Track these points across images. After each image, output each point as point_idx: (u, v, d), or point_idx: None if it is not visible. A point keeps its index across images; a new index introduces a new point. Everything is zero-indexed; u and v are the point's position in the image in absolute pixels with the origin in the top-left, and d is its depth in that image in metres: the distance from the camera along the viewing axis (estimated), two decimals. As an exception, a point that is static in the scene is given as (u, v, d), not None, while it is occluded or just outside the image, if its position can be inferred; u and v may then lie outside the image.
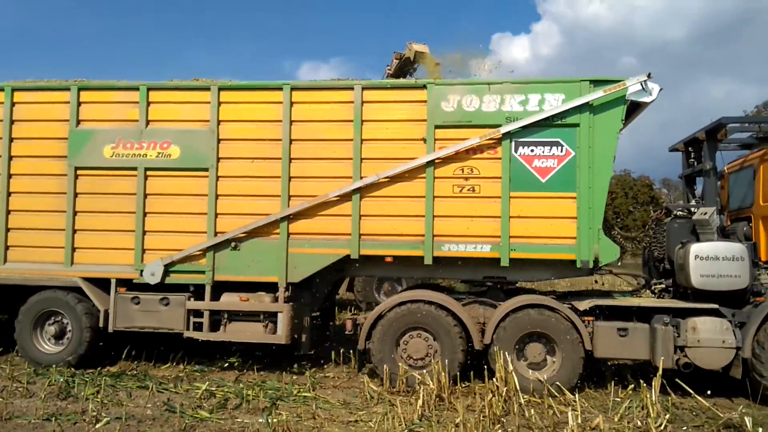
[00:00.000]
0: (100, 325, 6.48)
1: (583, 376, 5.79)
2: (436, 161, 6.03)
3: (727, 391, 5.84)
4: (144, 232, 6.45)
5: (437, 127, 6.06)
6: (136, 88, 6.54)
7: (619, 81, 5.87)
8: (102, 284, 6.56)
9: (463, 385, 5.72)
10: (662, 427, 4.67)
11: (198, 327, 6.37)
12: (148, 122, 6.53)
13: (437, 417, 4.91)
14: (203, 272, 6.37)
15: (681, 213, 6.38)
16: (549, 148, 5.95)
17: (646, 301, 6.15)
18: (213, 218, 6.34)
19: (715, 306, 5.69)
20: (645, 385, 5.08)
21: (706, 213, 5.99)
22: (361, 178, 6.10)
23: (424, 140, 6.06)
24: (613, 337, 5.75)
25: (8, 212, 6.67)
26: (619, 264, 6.82)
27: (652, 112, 6.32)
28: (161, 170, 6.47)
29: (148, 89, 6.52)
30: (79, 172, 6.58)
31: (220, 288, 6.44)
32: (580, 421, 4.61)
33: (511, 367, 5.30)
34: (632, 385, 5.53)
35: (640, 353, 5.74)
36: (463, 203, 6.02)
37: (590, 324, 5.82)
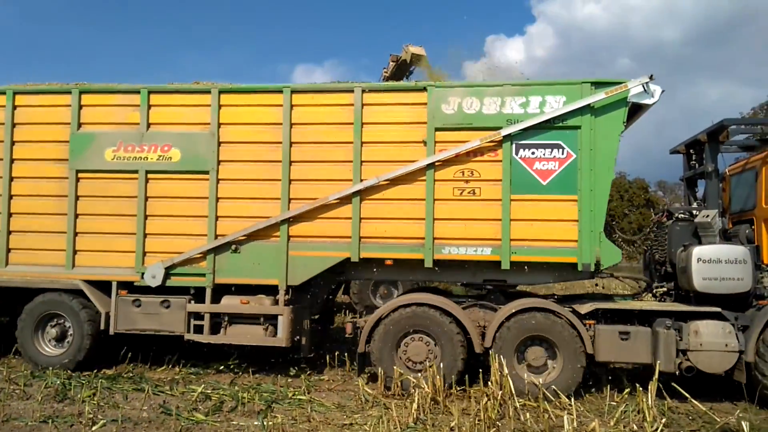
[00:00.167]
0: (102, 327, 6.49)
1: (584, 379, 5.77)
2: (437, 164, 6.02)
3: (725, 395, 5.81)
4: (145, 235, 6.47)
5: (437, 129, 6.05)
6: (137, 91, 6.56)
7: (621, 83, 5.85)
8: (103, 287, 6.58)
9: (459, 389, 5.70)
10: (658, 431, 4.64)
11: (199, 330, 6.38)
12: (149, 125, 6.55)
13: (432, 420, 4.90)
14: (204, 275, 6.38)
15: (683, 216, 6.34)
16: (550, 150, 5.92)
17: (648, 304, 6.11)
18: (213, 221, 6.35)
19: (718, 309, 5.65)
20: (641, 389, 5.07)
21: (708, 216, 5.96)
22: (362, 180, 6.10)
23: (425, 143, 6.05)
24: (615, 341, 5.71)
25: (10, 215, 6.70)
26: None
27: (646, 113, 6.29)
28: (162, 173, 6.49)
29: (149, 92, 6.54)
30: (80, 175, 6.60)
31: (220, 291, 6.45)
32: (575, 425, 4.57)
33: (506, 371, 5.28)
34: (628, 389, 5.50)
35: (642, 357, 5.70)
36: (463, 206, 6.00)
37: (591, 327, 5.78)
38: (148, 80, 7.52)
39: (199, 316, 6.39)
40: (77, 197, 6.58)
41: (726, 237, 6.16)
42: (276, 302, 6.30)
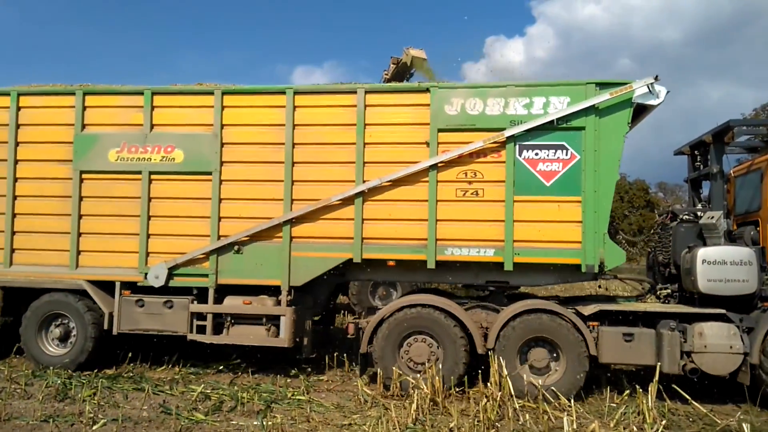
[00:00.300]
0: (105, 327, 6.52)
1: (587, 380, 5.74)
2: (439, 165, 6.00)
3: (726, 397, 5.78)
4: (148, 236, 6.48)
5: (440, 130, 6.04)
6: (141, 93, 6.58)
7: (626, 83, 5.82)
8: (106, 287, 6.59)
9: (458, 390, 5.70)
10: (658, 433, 4.62)
11: (201, 330, 6.39)
12: (152, 126, 6.57)
13: (431, 421, 4.89)
14: (206, 275, 6.39)
15: (687, 217, 6.31)
16: (554, 151, 5.90)
17: (653, 306, 6.09)
18: (216, 222, 6.36)
19: (723, 311, 5.62)
20: (641, 390, 5.05)
21: (713, 217, 5.92)
22: (364, 181, 6.09)
23: (427, 144, 6.04)
24: (619, 343, 5.69)
25: (14, 215, 6.72)
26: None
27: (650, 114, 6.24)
28: (165, 174, 6.50)
29: (153, 93, 6.55)
30: (84, 175, 6.61)
31: (223, 291, 6.46)
32: (575, 427, 4.56)
33: (505, 372, 5.27)
34: (628, 391, 5.48)
35: (645, 359, 5.67)
36: (466, 207, 5.98)
37: (595, 329, 5.76)
38: (148, 81, 7.57)
39: (201, 316, 6.41)
40: (81, 198, 6.60)
41: (731, 238, 6.12)
42: (278, 303, 6.30)
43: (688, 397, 5.13)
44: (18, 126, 6.76)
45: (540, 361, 5.77)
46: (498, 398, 5.08)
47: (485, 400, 5.03)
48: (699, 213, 6.26)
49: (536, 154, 5.92)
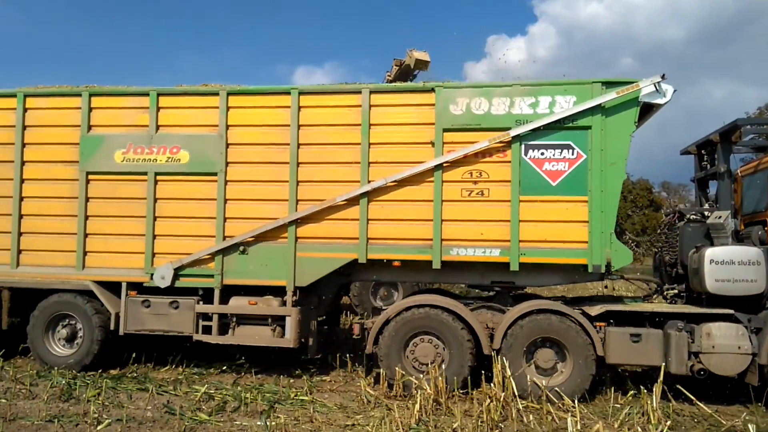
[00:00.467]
0: (111, 328, 6.54)
1: (592, 381, 5.71)
2: (445, 165, 5.99)
3: (732, 397, 5.74)
4: (154, 236, 6.50)
5: (445, 130, 6.02)
6: (147, 94, 6.60)
7: (632, 82, 5.79)
8: (113, 287, 6.62)
9: (461, 391, 5.68)
10: (663, 434, 4.59)
11: (207, 330, 6.40)
12: (158, 127, 6.58)
13: (434, 422, 4.88)
14: (212, 276, 6.40)
15: (694, 217, 6.27)
16: (560, 151, 5.87)
17: (660, 306, 6.05)
18: (222, 222, 6.37)
19: (731, 311, 5.58)
20: (645, 391, 5.01)
21: (720, 217, 5.88)
22: (369, 182, 6.08)
23: (433, 144, 6.02)
24: (626, 343, 5.65)
25: (21, 217, 6.75)
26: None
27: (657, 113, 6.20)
28: (171, 175, 6.51)
29: (158, 94, 6.57)
30: (90, 176, 6.64)
31: (228, 291, 6.46)
32: (579, 427, 4.55)
33: (509, 372, 5.26)
34: (632, 391, 5.45)
35: (653, 359, 5.63)
36: (471, 207, 5.96)
37: (602, 330, 5.73)
38: (148, 81, 7.64)
39: (207, 316, 6.42)
40: (87, 199, 6.62)
41: (738, 238, 6.08)
42: (284, 303, 6.30)
43: (693, 397, 5.10)
44: (24, 127, 6.79)
45: (546, 362, 5.74)
46: (501, 399, 5.06)
47: (489, 400, 5.02)
48: (706, 213, 6.22)
49: (542, 154, 5.90)
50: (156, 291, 6.49)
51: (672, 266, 6.43)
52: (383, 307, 6.51)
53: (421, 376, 5.64)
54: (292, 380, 6.40)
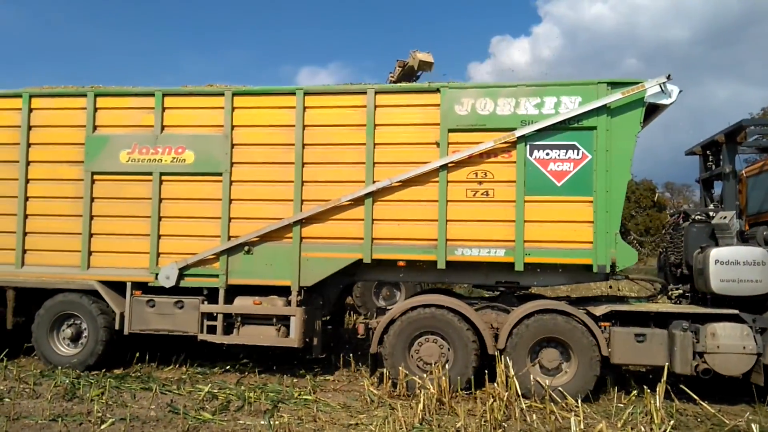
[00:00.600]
0: (116, 327, 6.55)
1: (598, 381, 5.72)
2: (450, 165, 5.99)
3: (736, 397, 5.74)
4: (159, 236, 6.51)
5: (451, 130, 6.03)
6: (152, 94, 6.61)
7: (638, 83, 5.79)
8: (117, 287, 6.63)
9: (465, 390, 5.69)
10: (666, 434, 4.60)
11: (212, 330, 6.41)
12: (163, 127, 6.59)
13: (438, 421, 4.88)
14: (217, 276, 6.41)
15: (699, 217, 6.27)
16: (565, 151, 5.88)
17: (665, 306, 6.06)
18: (227, 222, 6.38)
19: (735, 311, 5.58)
20: (649, 390, 5.02)
21: (725, 217, 5.88)
22: (374, 182, 6.09)
23: (438, 144, 6.03)
24: (631, 343, 5.66)
25: (26, 216, 6.76)
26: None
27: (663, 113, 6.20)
28: (176, 175, 6.52)
29: (163, 95, 6.58)
30: (95, 176, 6.65)
31: (233, 291, 6.47)
32: (582, 427, 4.53)
33: (512, 372, 5.25)
34: (636, 391, 5.45)
35: (657, 359, 5.64)
36: (476, 207, 5.97)
37: (606, 329, 5.73)
38: (151, 82, 7.66)
39: (212, 316, 6.42)
40: (92, 199, 6.63)
41: (743, 239, 6.08)
42: (288, 303, 6.31)
43: (696, 397, 5.10)
44: (30, 127, 6.80)
45: (551, 362, 5.75)
46: (505, 398, 5.07)
47: (492, 400, 5.03)
48: (711, 213, 6.22)
49: (547, 154, 5.90)
50: (161, 291, 6.50)
51: (677, 266, 6.43)
52: (386, 307, 6.52)
53: (425, 375, 5.65)
54: (295, 380, 6.41)
